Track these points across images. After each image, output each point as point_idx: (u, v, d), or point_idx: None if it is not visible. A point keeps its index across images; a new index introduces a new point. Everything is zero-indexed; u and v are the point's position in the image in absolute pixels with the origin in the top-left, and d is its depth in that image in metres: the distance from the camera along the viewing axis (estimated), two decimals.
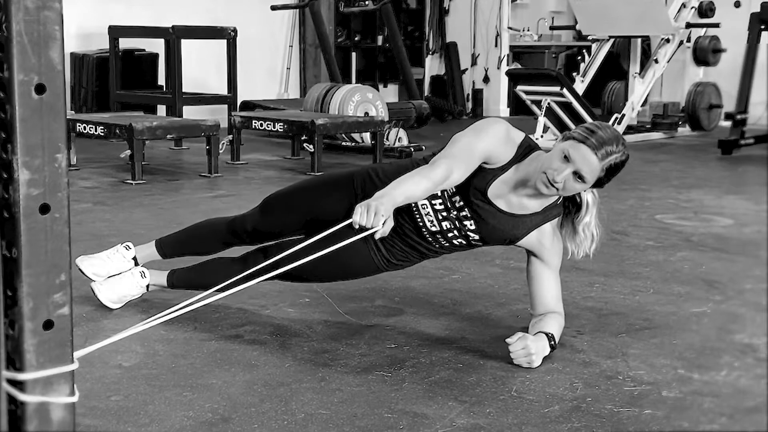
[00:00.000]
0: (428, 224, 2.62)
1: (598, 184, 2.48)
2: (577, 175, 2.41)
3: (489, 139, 2.51)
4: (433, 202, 2.60)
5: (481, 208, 2.56)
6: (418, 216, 2.62)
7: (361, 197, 2.73)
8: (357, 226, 2.29)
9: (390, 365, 2.49)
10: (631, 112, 8.89)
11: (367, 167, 2.81)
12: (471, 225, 2.58)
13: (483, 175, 2.55)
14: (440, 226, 2.61)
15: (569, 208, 2.64)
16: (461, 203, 2.57)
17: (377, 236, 2.34)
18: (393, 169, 2.72)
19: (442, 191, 2.58)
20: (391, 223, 2.35)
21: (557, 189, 2.44)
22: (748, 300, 3.24)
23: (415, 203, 2.60)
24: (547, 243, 2.59)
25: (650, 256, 3.93)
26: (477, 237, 2.60)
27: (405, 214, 2.63)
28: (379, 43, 12.14)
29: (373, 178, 2.74)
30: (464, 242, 2.64)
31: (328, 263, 2.75)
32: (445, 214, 2.59)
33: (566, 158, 2.41)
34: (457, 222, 2.59)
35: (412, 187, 2.41)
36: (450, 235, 2.62)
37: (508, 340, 2.48)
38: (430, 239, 2.65)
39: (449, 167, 2.44)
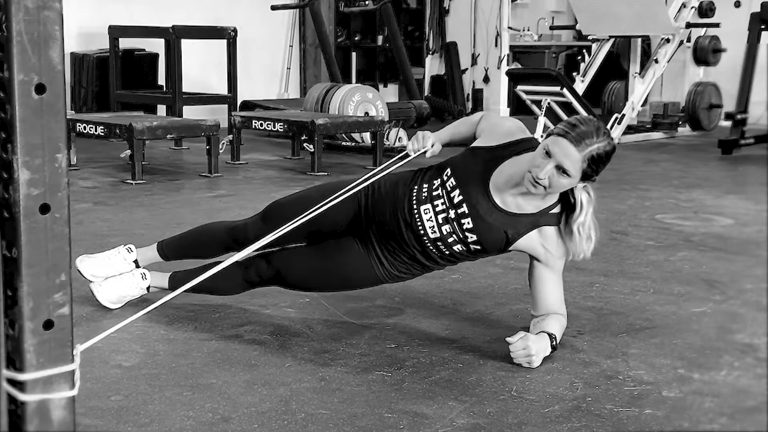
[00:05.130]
0: (429, 231, 2.62)
1: (586, 176, 2.48)
2: (561, 170, 2.42)
3: (498, 118, 2.84)
4: (435, 203, 2.61)
5: (478, 203, 2.56)
6: (419, 223, 2.62)
7: (365, 208, 2.74)
8: (412, 153, 2.71)
9: (390, 365, 2.49)
10: (631, 112, 8.89)
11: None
12: (468, 224, 2.58)
13: (483, 163, 2.59)
14: (440, 231, 2.61)
15: (566, 210, 2.64)
16: (460, 198, 2.58)
17: (428, 155, 2.72)
18: (395, 179, 2.73)
19: (443, 190, 2.59)
20: (439, 147, 2.74)
21: (544, 187, 2.44)
22: (749, 300, 3.24)
23: (418, 209, 2.62)
24: (551, 247, 2.59)
25: (650, 256, 3.93)
26: (474, 238, 2.60)
27: (407, 222, 2.64)
28: (379, 43, 12.14)
29: (376, 188, 2.74)
30: (464, 248, 2.64)
31: (330, 275, 2.76)
32: (445, 215, 2.60)
33: (548, 154, 2.42)
34: (455, 223, 2.59)
35: (455, 125, 2.83)
36: (450, 240, 2.62)
37: (509, 339, 2.48)
38: (431, 247, 2.65)
39: (480, 117, 2.80)
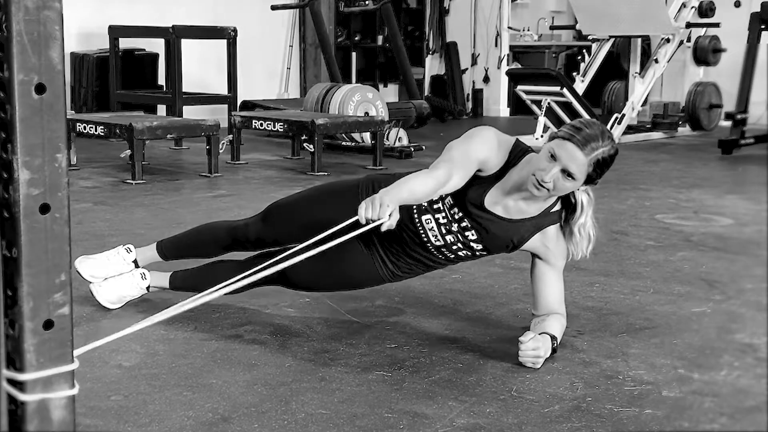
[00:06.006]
0: (432, 239, 2.62)
1: (589, 180, 2.47)
2: (566, 173, 2.41)
3: (483, 145, 2.54)
4: (437, 216, 2.60)
5: (480, 217, 2.56)
6: (422, 231, 2.62)
7: None
8: (364, 221, 2.28)
9: (390, 365, 2.49)
10: (631, 111, 8.89)
11: (372, 177, 2.79)
12: (472, 235, 2.58)
13: (478, 185, 2.55)
14: (444, 240, 2.61)
15: (566, 210, 2.64)
16: (460, 215, 2.57)
17: (384, 228, 2.29)
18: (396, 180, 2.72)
19: (443, 204, 2.59)
20: (396, 216, 2.31)
21: (548, 190, 2.43)
22: (749, 300, 3.24)
23: (419, 219, 2.61)
24: (552, 245, 2.59)
25: (650, 256, 3.93)
26: (480, 247, 2.61)
27: (410, 230, 2.64)
28: (379, 43, 12.14)
29: (376, 188, 2.73)
30: (469, 253, 2.64)
31: (333, 274, 2.75)
32: (447, 227, 2.60)
33: (553, 157, 2.41)
34: (459, 235, 2.59)
35: (417, 185, 2.43)
36: (454, 247, 2.62)
37: (521, 338, 2.47)
38: (435, 253, 2.65)
39: (450, 169, 2.47)
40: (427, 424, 2.10)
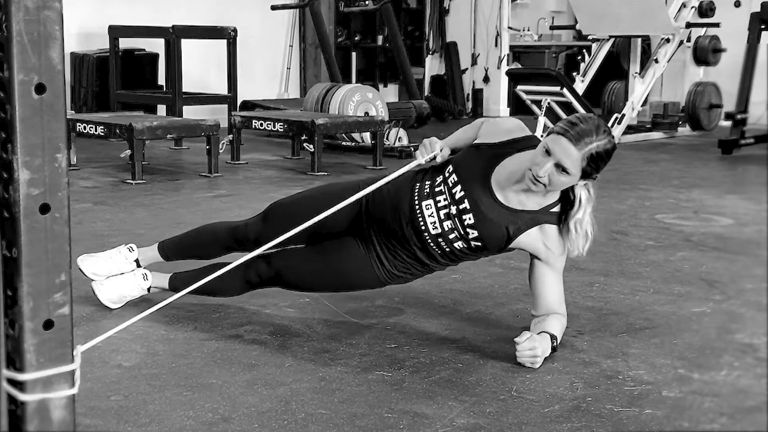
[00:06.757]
0: (430, 227, 2.62)
1: (586, 174, 2.48)
2: (560, 168, 2.42)
3: (496, 123, 2.76)
4: (437, 198, 2.61)
5: (480, 199, 2.57)
6: (420, 219, 2.62)
7: (365, 207, 2.74)
8: (423, 161, 2.66)
9: (390, 365, 2.49)
10: (631, 111, 8.89)
11: (373, 178, 2.80)
12: (469, 219, 2.58)
13: (485, 159, 2.60)
14: (442, 226, 2.61)
15: (565, 206, 2.64)
16: (462, 194, 2.58)
17: (438, 160, 2.66)
18: (399, 180, 2.72)
19: (445, 186, 2.60)
20: (447, 151, 2.68)
21: (543, 185, 2.45)
22: (749, 300, 3.23)
23: (419, 204, 2.63)
24: (551, 245, 2.59)
25: (650, 256, 3.93)
26: (476, 234, 2.59)
27: (408, 221, 2.64)
28: (379, 43, 12.14)
29: (377, 188, 2.73)
30: (465, 245, 2.64)
31: (330, 275, 2.75)
32: (446, 210, 2.60)
33: (548, 152, 2.43)
34: (457, 219, 2.59)
35: (460, 131, 2.80)
36: (452, 236, 2.62)
37: (517, 339, 2.47)
38: (432, 244, 2.65)
39: (483, 119, 2.81)
40: (427, 424, 2.10)
